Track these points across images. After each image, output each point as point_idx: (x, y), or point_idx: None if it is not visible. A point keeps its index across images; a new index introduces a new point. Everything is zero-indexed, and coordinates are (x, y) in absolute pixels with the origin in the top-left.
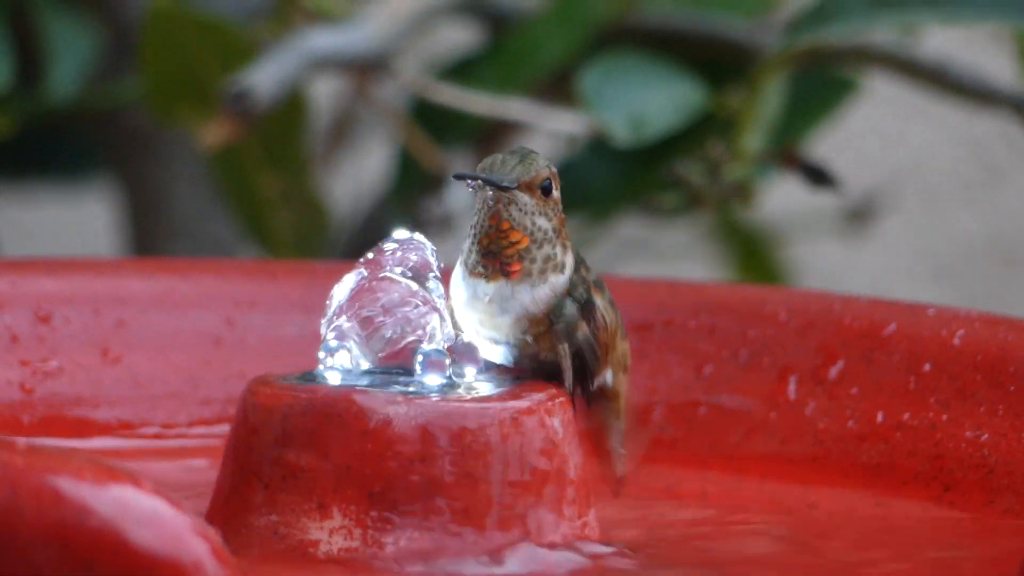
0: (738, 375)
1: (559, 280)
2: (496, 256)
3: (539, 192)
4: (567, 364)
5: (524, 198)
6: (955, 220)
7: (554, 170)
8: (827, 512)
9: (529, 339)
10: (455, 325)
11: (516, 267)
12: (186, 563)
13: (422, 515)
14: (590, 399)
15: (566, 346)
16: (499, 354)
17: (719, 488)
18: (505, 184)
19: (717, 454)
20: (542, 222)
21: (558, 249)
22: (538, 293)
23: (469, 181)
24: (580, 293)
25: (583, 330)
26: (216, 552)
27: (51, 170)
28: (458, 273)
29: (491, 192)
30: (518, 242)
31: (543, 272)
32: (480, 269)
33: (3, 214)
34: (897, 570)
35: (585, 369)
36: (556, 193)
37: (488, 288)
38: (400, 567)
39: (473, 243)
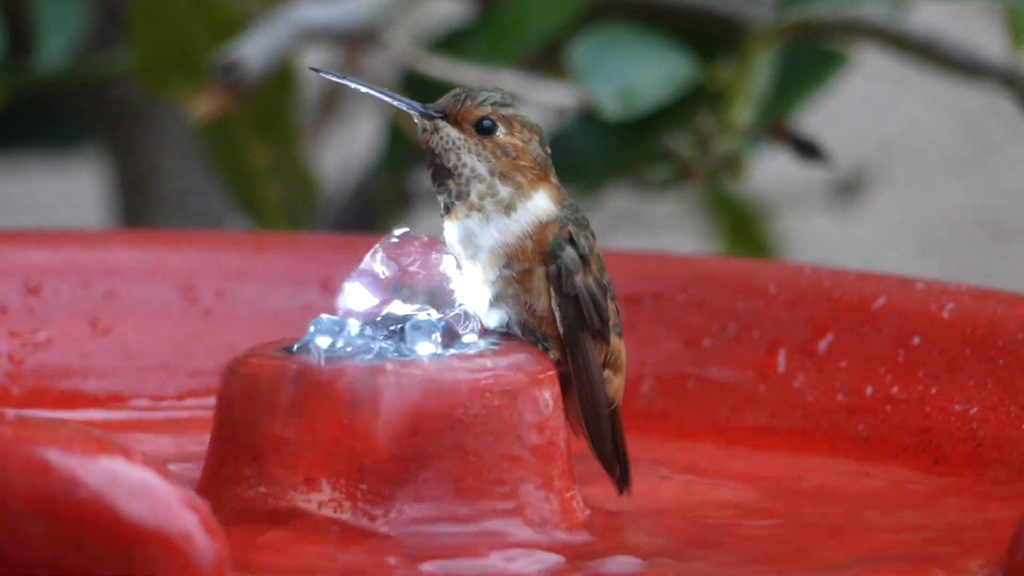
0: (727, 348)
1: (521, 217)
2: (442, 191)
3: (471, 129)
4: (557, 312)
5: (449, 130)
6: (944, 193)
7: (511, 115)
8: (816, 484)
9: (514, 287)
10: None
11: (461, 201)
12: (175, 535)
13: (413, 487)
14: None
15: (557, 289)
16: (488, 300)
17: (708, 460)
18: (418, 109)
19: (706, 427)
20: (469, 159)
21: (501, 188)
22: (501, 225)
23: (377, 92)
24: (582, 246)
25: (583, 276)
26: (206, 524)
27: (41, 142)
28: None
29: (416, 118)
30: (453, 178)
31: (484, 207)
32: (443, 206)
33: None
34: (890, 539)
35: (583, 321)
36: (505, 137)
37: (453, 227)
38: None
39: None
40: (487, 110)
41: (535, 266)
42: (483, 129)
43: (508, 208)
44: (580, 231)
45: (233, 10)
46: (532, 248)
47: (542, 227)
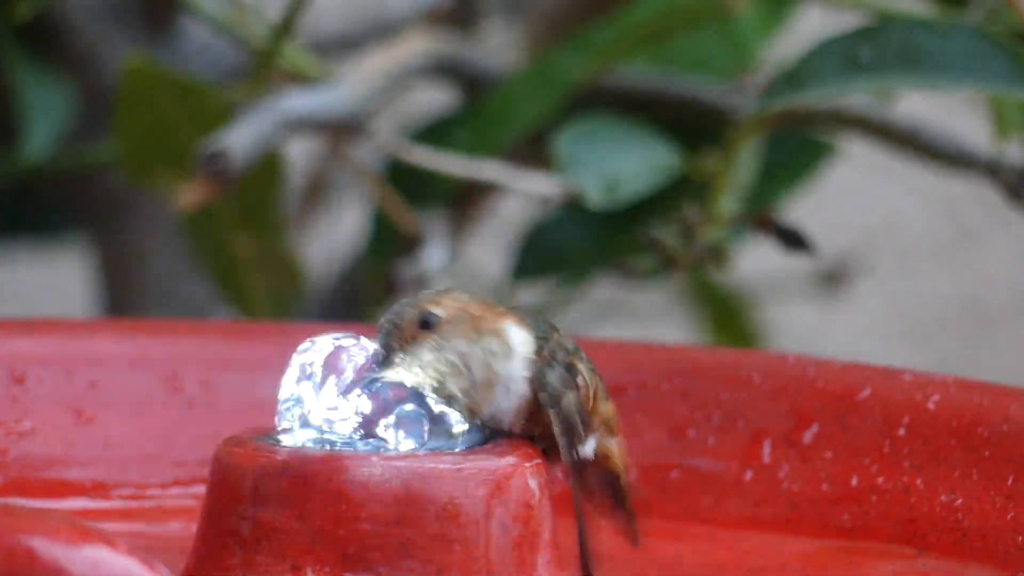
0: (712, 438)
1: (510, 369)
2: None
3: (415, 333)
4: (558, 431)
5: (398, 361)
6: (928, 282)
7: (430, 298)
8: (801, 572)
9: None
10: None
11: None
12: None
13: None
14: (577, 467)
15: (555, 412)
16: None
17: (693, 550)
18: (379, 374)
19: (691, 516)
20: (427, 357)
21: (481, 357)
22: (500, 403)
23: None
24: (561, 358)
25: (568, 397)
26: None
27: (25, 230)
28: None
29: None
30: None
31: (489, 389)
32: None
33: None
34: None
35: (572, 436)
36: (445, 312)
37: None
38: None
39: None
40: (414, 311)
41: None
42: (425, 325)
43: (494, 376)
44: (555, 343)
45: (218, 100)
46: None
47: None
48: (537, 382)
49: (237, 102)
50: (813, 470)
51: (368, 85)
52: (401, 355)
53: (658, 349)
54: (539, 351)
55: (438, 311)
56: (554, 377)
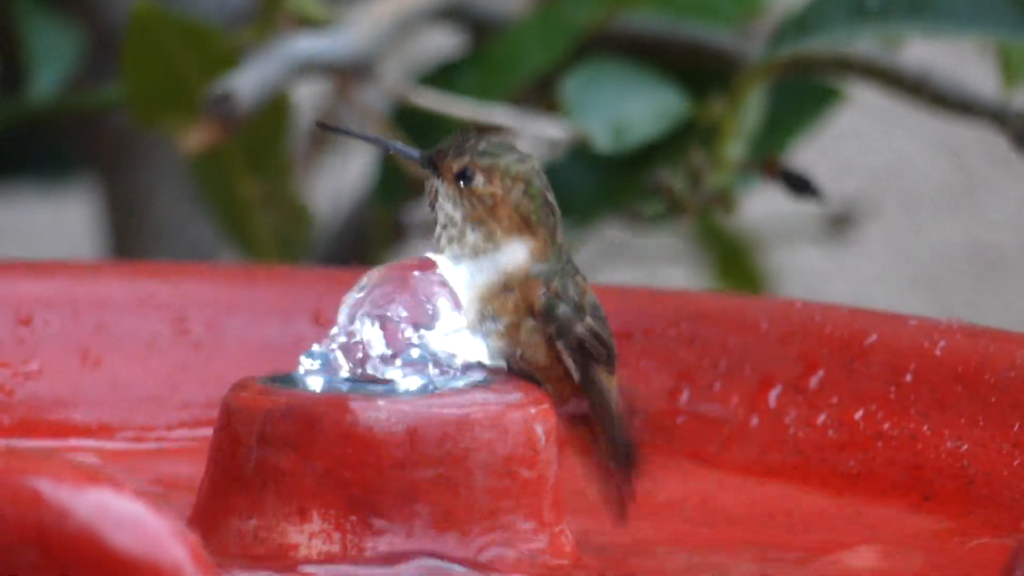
0: (718, 384)
1: (489, 264)
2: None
3: (452, 178)
4: (570, 363)
5: (434, 179)
6: (935, 228)
7: (490, 164)
8: (806, 519)
9: (500, 328)
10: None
11: (436, 244)
12: (165, 567)
13: (402, 519)
14: (594, 393)
15: (563, 344)
16: (484, 350)
17: (699, 496)
18: (413, 157)
19: (697, 463)
20: (447, 206)
21: (469, 235)
22: (472, 269)
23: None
24: (571, 297)
25: (582, 324)
26: (196, 556)
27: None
28: None
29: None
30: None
31: (454, 250)
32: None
33: None
34: (879, 568)
35: (591, 362)
36: (484, 187)
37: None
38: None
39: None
40: (465, 161)
41: (523, 320)
42: (463, 178)
43: (474, 253)
44: (568, 281)
45: (225, 43)
46: (515, 302)
47: (524, 282)
48: (543, 311)
49: (244, 45)
50: (819, 416)
51: (376, 29)
52: (434, 179)
53: (665, 294)
54: (548, 282)
55: (480, 180)
56: (563, 308)
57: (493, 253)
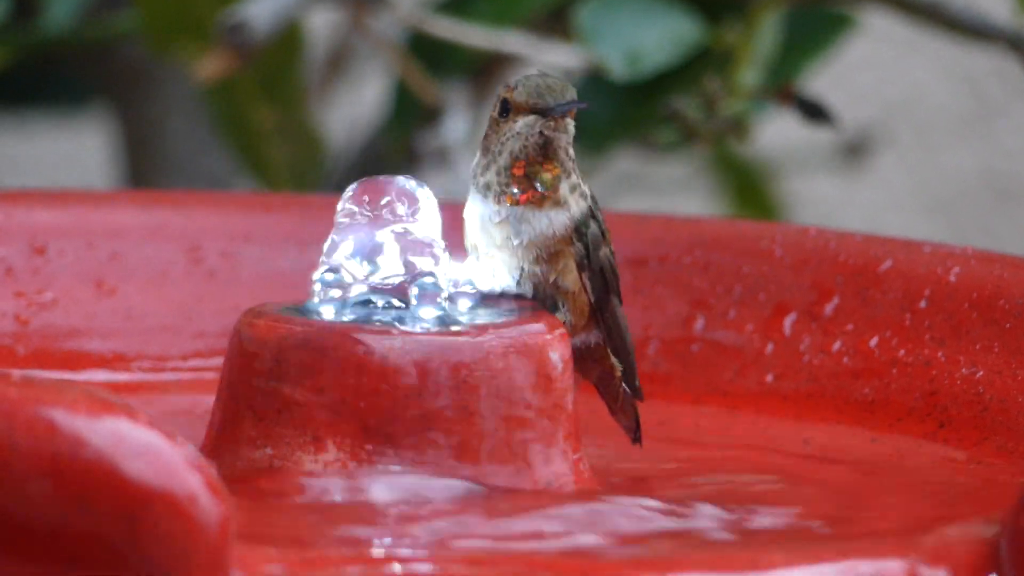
0: (733, 311)
1: (582, 206)
2: (530, 181)
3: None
4: (589, 287)
5: (572, 126)
6: (949, 155)
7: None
8: (822, 447)
9: (542, 267)
10: (468, 248)
11: (548, 194)
12: (180, 495)
13: (417, 449)
14: (609, 322)
15: (586, 269)
16: (506, 280)
17: (713, 424)
18: (562, 111)
19: (711, 390)
20: (572, 151)
21: (578, 177)
22: (556, 219)
23: (557, 108)
24: (600, 217)
25: (605, 249)
26: (210, 484)
27: (47, 102)
28: (476, 197)
29: (545, 119)
30: (552, 170)
31: (565, 200)
32: (506, 192)
33: None
34: (896, 501)
35: (607, 290)
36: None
37: (507, 212)
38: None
39: (502, 167)
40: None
41: (566, 247)
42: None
43: (581, 197)
44: (595, 204)
45: None
46: (568, 229)
47: (587, 218)
48: (577, 232)
49: None
50: (834, 343)
51: None
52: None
53: (679, 221)
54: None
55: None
56: (594, 228)
57: (587, 189)
